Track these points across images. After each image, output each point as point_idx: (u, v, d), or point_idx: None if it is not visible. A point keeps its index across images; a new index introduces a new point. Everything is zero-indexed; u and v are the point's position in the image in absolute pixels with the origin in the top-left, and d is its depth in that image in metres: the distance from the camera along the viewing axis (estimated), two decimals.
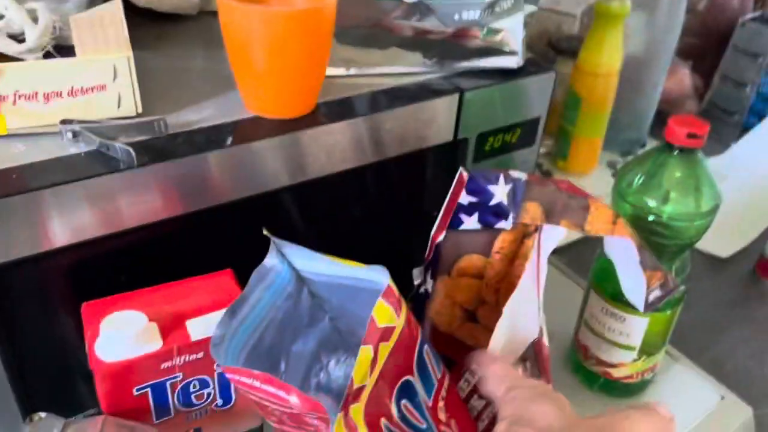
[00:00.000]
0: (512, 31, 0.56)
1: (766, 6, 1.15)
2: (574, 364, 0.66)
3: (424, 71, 0.58)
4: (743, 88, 1.08)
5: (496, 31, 0.56)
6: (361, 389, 0.37)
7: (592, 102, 0.93)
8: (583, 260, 0.64)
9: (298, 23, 0.45)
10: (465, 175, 0.51)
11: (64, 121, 0.44)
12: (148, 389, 0.44)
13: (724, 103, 1.11)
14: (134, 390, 0.43)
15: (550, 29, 1.05)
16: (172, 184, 0.45)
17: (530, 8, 0.56)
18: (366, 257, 0.45)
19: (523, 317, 0.48)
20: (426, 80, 0.57)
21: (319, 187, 0.52)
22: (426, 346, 0.44)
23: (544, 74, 0.60)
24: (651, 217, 0.55)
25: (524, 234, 0.52)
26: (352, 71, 0.56)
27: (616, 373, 0.62)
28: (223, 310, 0.43)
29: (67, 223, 0.43)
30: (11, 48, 0.45)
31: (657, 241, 0.55)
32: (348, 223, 0.58)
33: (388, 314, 0.38)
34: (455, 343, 0.53)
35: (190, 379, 0.45)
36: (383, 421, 0.39)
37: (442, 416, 0.44)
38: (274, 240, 0.45)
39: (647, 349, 0.60)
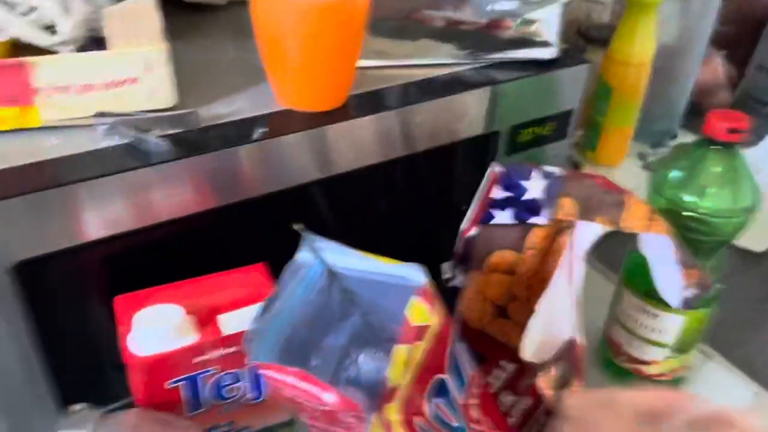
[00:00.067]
0: (547, 22, 0.55)
1: None
2: (604, 360, 0.65)
3: (457, 63, 0.57)
4: None
5: (531, 22, 0.55)
6: (396, 389, 0.37)
7: (624, 92, 0.91)
8: (614, 254, 0.63)
9: (332, 15, 0.44)
10: (498, 169, 0.50)
11: (97, 114, 0.44)
12: (181, 382, 0.44)
13: (758, 94, 1.08)
14: (168, 383, 0.44)
15: (579, 17, 1.02)
16: (204, 178, 0.45)
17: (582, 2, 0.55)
18: (395, 251, 0.44)
19: (557, 315, 0.47)
20: (458, 72, 0.56)
21: (350, 180, 0.52)
22: (457, 343, 0.43)
23: (578, 66, 0.59)
24: (688, 213, 0.53)
25: (558, 230, 0.51)
26: (384, 63, 0.55)
27: (649, 370, 0.61)
28: (256, 305, 0.43)
29: (100, 216, 0.43)
30: (45, 40, 0.45)
31: (693, 237, 0.54)
32: (377, 217, 0.58)
33: (423, 313, 0.38)
34: (485, 339, 0.52)
35: (223, 372, 0.45)
36: (417, 420, 0.39)
37: (474, 414, 0.44)
38: (306, 234, 0.44)
39: (681, 346, 0.59)
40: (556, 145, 0.62)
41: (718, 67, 1.06)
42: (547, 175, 0.49)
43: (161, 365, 0.43)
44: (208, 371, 0.44)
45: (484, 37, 0.56)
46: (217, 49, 0.59)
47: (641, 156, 1.02)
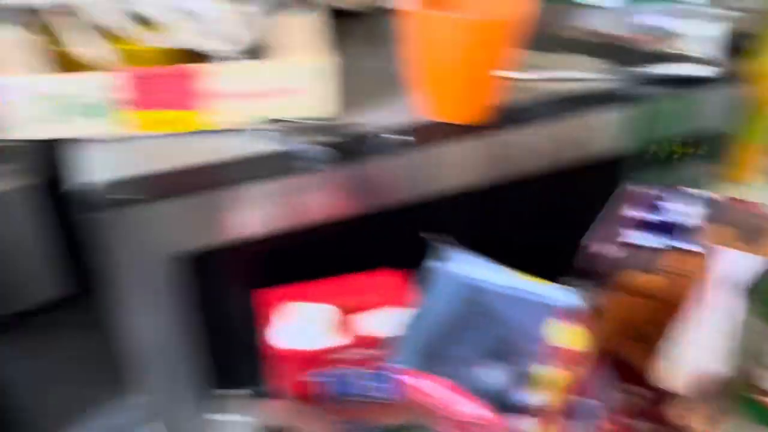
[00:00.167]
0: (703, 39, 0.52)
1: None
2: (743, 399, 0.62)
3: (601, 77, 0.56)
4: None
5: (684, 37, 0.53)
6: (545, 410, 0.37)
7: (765, 106, 0.85)
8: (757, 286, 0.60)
9: (496, 31, 0.45)
10: (633, 188, 0.49)
11: (261, 120, 0.47)
12: (320, 377, 0.46)
13: None
14: (306, 376, 0.46)
15: None
16: (353, 185, 0.47)
17: (728, 13, 0.52)
18: (520, 264, 0.45)
19: (700, 345, 0.46)
20: (602, 86, 0.55)
21: (490, 192, 0.52)
22: (596, 367, 0.43)
23: (731, 85, 0.56)
24: None
25: (702, 256, 0.49)
26: (528, 75, 0.55)
27: None
28: (393, 309, 0.45)
29: (253, 215, 0.46)
30: (219, 49, 0.48)
31: None
32: (506, 229, 0.58)
33: (572, 336, 0.37)
34: (618, 363, 0.51)
35: (360, 371, 0.47)
36: None
37: None
38: (443, 244, 0.45)
39: None
40: (700, 166, 0.60)
41: None
42: (693, 198, 0.47)
43: (304, 360, 0.45)
44: (346, 369, 0.46)
45: (629, 51, 0.55)
46: (363, 56, 0.60)
47: None
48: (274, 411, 0.44)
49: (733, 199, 0.48)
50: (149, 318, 0.47)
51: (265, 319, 0.46)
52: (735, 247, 0.46)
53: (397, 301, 0.47)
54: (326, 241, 0.50)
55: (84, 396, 0.64)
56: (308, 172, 0.46)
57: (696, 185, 0.50)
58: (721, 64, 0.91)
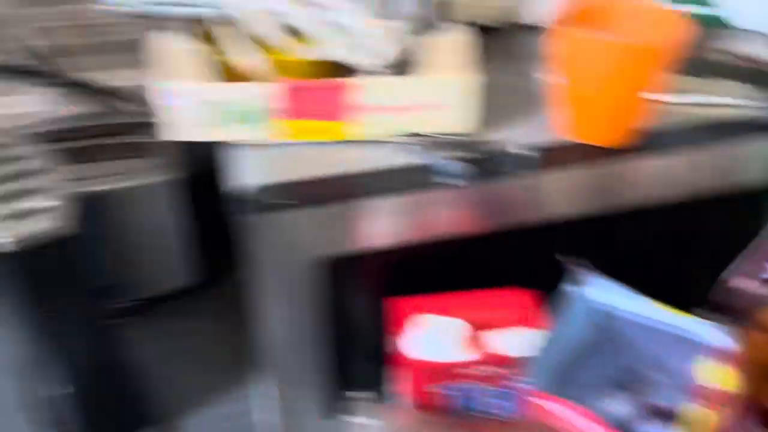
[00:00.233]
0: None
1: None
2: None
3: (751, 104, 0.53)
4: None
5: None
6: None
7: None
8: None
9: (651, 56, 0.44)
10: None
11: (405, 134, 0.48)
12: (447, 390, 0.47)
13: None
14: (434, 388, 0.47)
15: None
16: (491, 201, 0.48)
17: None
18: (652, 292, 0.43)
19: None
20: (751, 114, 0.53)
21: (628, 217, 0.51)
22: (741, 409, 0.41)
23: None
24: None
25: None
26: (674, 99, 0.53)
27: None
28: (523, 329, 0.45)
29: (393, 226, 0.47)
30: (366, 63, 0.50)
31: None
32: (641, 256, 0.56)
33: (726, 377, 0.36)
34: (754, 405, 0.49)
35: (485, 387, 0.47)
36: None
37: None
38: (577, 267, 0.45)
39: None
40: None
41: None
42: None
43: (432, 371, 0.46)
44: (473, 384, 0.47)
45: None
46: (495, 72, 0.60)
47: None
48: (399, 417, 0.46)
49: None
50: (284, 316, 0.50)
51: (396, 328, 0.47)
52: None
53: (526, 321, 0.47)
54: (459, 256, 0.50)
55: (207, 382, 0.68)
56: (446, 187, 0.46)
57: None
58: None
